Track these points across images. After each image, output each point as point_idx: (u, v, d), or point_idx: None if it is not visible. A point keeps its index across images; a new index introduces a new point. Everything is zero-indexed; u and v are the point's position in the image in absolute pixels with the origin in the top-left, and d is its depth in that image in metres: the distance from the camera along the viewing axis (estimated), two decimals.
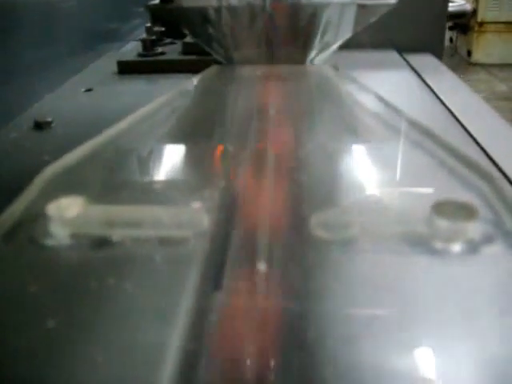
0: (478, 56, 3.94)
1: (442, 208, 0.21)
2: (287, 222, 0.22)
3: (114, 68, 0.66)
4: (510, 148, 0.42)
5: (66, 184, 0.26)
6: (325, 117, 0.32)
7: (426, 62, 0.67)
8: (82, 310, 0.19)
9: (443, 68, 0.65)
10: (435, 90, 0.55)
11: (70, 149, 0.43)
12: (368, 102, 0.34)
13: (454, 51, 4.19)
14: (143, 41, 0.66)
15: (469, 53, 3.99)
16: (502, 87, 3.56)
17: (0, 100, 0.52)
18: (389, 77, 0.60)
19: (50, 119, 0.49)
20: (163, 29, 0.68)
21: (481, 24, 3.84)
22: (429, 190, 0.24)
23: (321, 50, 0.44)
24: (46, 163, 0.41)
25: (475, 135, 0.43)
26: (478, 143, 0.42)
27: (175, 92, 0.37)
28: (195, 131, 0.31)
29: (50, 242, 0.22)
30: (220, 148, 0.28)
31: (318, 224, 0.21)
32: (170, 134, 0.31)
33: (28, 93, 0.57)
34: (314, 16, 0.39)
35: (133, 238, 0.22)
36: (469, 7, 0.82)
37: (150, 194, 0.25)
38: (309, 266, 0.20)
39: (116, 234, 0.22)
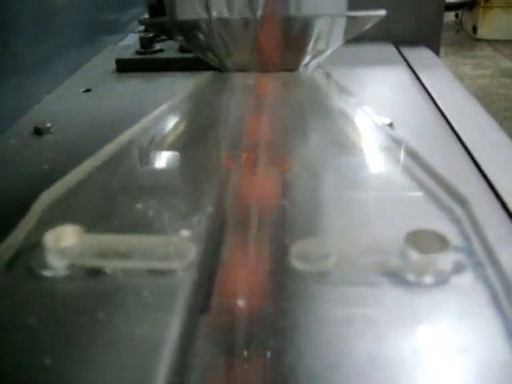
0: (484, 32, 3.91)
1: (414, 239, 0.23)
2: (268, 252, 0.23)
3: (113, 65, 0.67)
4: (496, 152, 0.43)
5: (63, 210, 0.27)
6: (311, 133, 0.33)
7: (422, 56, 0.67)
8: (74, 339, 0.21)
9: (438, 63, 0.65)
10: (428, 88, 0.56)
11: (69, 156, 0.44)
12: (354, 115, 0.35)
13: (460, 27, 4.15)
14: (141, 38, 0.66)
15: (474, 29, 3.95)
16: (507, 63, 3.53)
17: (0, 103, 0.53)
18: (383, 74, 0.61)
19: (49, 125, 0.50)
20: None
21: None
22: (405, 217, 0.25)
23: (313, 57, 0.44)
24: (46, 172, 0.42)
25: (463, 138, 0.44)
26: (465, 147, 0.43)
27: (169, 104, 0.38)
28: (187, 151, 0.33)
29: (46, 273, 0.23)
30: (209, 169, 0.30)
31: (296, 255, 0.23)
32: (162, 156, 0.32)
33: (28, 94, 0.58)
34: (305, 27, 0.40)
35: (123, 269, 0.23)
36: None
37: (141, 220, 0.26)
38: (285, 298, 0.21)
39: (108, 265, 0.23)
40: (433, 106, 0.51)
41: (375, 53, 0.68)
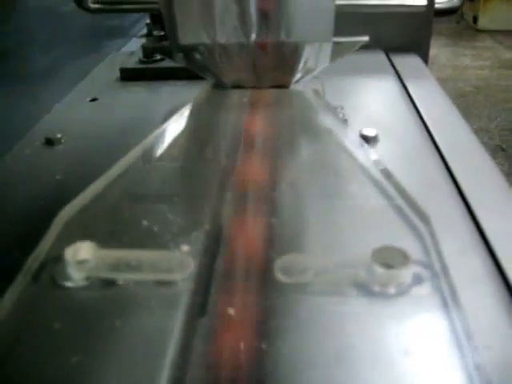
0: (484, 22, 3.91)
1: (380, 255, 0.27)
2: (256, 265, 0.28)
3: (117, 74, 0.71)
4: (472, 164, 0.47)
5: (80, 226, 0.31)
6: (298, 152, 0.37)
7: (410, 65, 0.71)
8: (93, 340, 0.25)
9: (426, 72, 0.69)
10: (414, 99, 0.59)
11: (79, 167, 0.48)
12: (338, 132, 0.39)
13: (460, 17, 4.16)
14: (144, 48, 0.70)
15: (475, 19, 3.95)
16: (507, 55, 3.55)
17: (14, 114, 0.57)
18: (372, 84, 0.64)
19: (59, 135, 0.54)
20: (163, 33, 0.72)
21: None
22: (374, 233, 0.29)
23: (303, 75, 0.48)
24: (59, 182, 0.46)
25: (442, 150, 0.48)
26: (443, 159, 0.47)
27: (173, 121, 0.42)
28: (188, 169, 0.37)
29: (67, 283, 0.28)
30: (206, 188, 0.34)
31: (279, 269, 0.27)
32: (166, 173, 0.36)
33: (39, 103, 0.62)
34: (295, 51, 0.44)
35: (133, 280, 0.27)
36: (457, 3, 0.84)
37: (148, 236, 0.30)
38: (268, 307, 0.25)
39: (120, 277, 0.28)
40: (417, 117, 0.55)
41: (366, 61, 0.71)
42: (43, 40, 0.66)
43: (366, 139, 0.49)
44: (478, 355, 0.23)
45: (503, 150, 2.31)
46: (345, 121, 0.52)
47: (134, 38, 0.92)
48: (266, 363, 0.24)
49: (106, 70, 0.74)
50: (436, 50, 3.56)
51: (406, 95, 0.60)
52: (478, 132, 2.46)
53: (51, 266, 0.29)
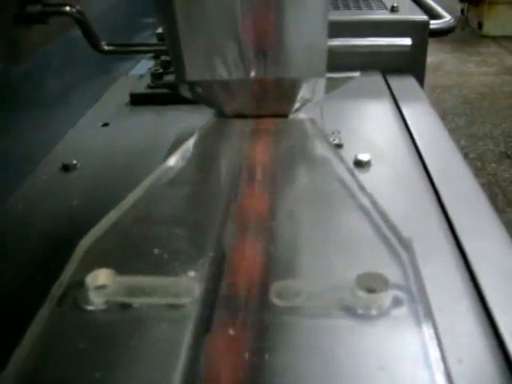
0: (489, 28, 3.93)
1: (363, 280, 0.31)
2: (254, 290, 0.31)
3: (126, 98, 0.75)
4: (461, 190, 0.50)
5: (98, 255, 0.35)
6: (294, 182, 0.41)
7: (406, 87, 0.75)
8: (112, 357, 0.29)
9: (421, 95, 0.73)
10: (409, 123, 0.63)
11: (94, 192, 0.52)
12: (331, 161, 0.43)
13: (465, 23, 4.19)
14: (152, 74, 0.74)
15: (480, 25, 3.98)
16: (511, 61, 3.57)
17: (31, 140, 0.61)
18: (368, 107, 0.68)
19: (75, 161, 0.58)
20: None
21: None
22: (360, 260, 0.33)
23: (301, 105, 0.52)
24: (76, 208, 0.50)
25: (433, 176, 0.51)
26: (433, 184, 0.50)
27: (180, 152, 0.46)
28: (194, 199, 0.41)
29: (88, 307, 0.32)
30: (210, 217, 0.38)
31: (274, 293, 0.31)
32: (174, 204, 0.40)
33: (54, 129, 0.66)
34: (292, 85, 0.48)
35: (146, 304, 0.31)
36: (453, 23, 0.88)
37: (159, 264, 0.34)
38: (265, 328, 0.29)
39: (135, 301, 0.31)
40: (409, 141, 0.59)
41: (363, 83, 0.75)
42: (56, 65, 0.70)
43: (361, 164, 0.53)
44: (447, 370, 0.27)
45: (508, 156, 2.34)
46: (340, 145, 0.56)
47: (143, 60, 0.96)
48: (261, 376, 0.27)
49: (117, 94, 0.78)
50: (441, 56, 3.59)
51: (400, 119, 0.64)
52: (483, 138, 2.49)
53: (74, 291, 0.32)
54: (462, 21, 4.22)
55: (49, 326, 0.31)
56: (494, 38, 3.93)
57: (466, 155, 2.34)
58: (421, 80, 0.81)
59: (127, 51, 0.61)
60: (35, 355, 0.29)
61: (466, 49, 3.81)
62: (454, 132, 2.54)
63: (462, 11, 4.27)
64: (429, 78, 3.23)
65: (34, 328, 0.30)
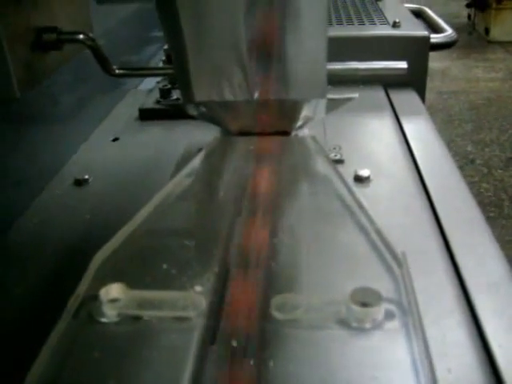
0: (496, 34, 3.93)
1: (357, 295, 0.33)
2: (255, 304, 0.34)
3: (136, 113, 0.77)
4: (456, 204, 0.52)
5: (111, 269, 0.37)
6: (295, 199, 0.44)
7: (407, 102, 0.77)
8: (125, 366, 0.32)
9: (421, 109, 0.75)
10: (409, 138, 0.65)
11: (106, 207, 0.55)
12: (331, 178, 0.45)
13: (472, 29, 4.20)
14: (160, 90, 0.77)
15: (486, 30, 3.98)
16: None
17: (44, 155, 0.64)
18: (369, 123, 0.70)
19: (87, 176, 0.60)
20: None
21: (499, 1, 3.83)
22: (354, 275, 0.35)
23: (303, 123, 0.54)
24: (88, 221, 0.53)
25: (430, 191, 0.53)
26: (429, 198, 0.53)
27: (187, 169, 0.48)
28: (200, 216, 0.43)
29: (102, 319, 0.34)
30: (216, 234, 0.40)
31: (275, 307, 0.33)
32: (181, 220, 0.43)
33: (66, 144, 0.69)
34: (294, 106, 0.50)
35: (156, 316, 0.34)
36: (454, 37, 0.90)
37: (167, 278, 0.36)
38: (266, 338, 0.32)
39: (145, 314, 0.34)
40: (409, 156, 0.61)
41: (365, 97, 0.77)
42: (68, 82, 0.73)
43: (360, 179, 0.55)
44: (434, 380, 0.29)
45: None
46: (341, 161, 0.58)
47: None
48: (262, 382, 0.30)
49: (126, 108, 0.81)
50: (448, 62, 3.60)
51: (400, 134, 0.66)
52: (490, 144, 2.50)
53: (88, 304, 0.35)
54: (469, 26, 4.24)
55: (66, 337, 0.33)
56: (501, 44, 3.93)
57: (472, 161, 2.35)
58: (422, 93, 0.83)
59: (137, 74, 0.63)
60: (53, 364, 0.32)
61: (472, 54, 3.81)
62: (460, 138, 2.56)
63: (469, 16, 4.28)
64: (435, 83, 3.23)
65: (52, 339, 0.33)
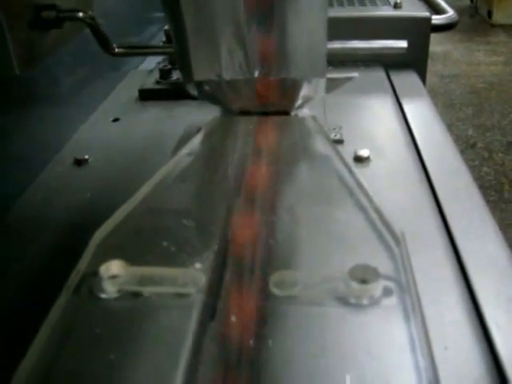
0: (499, 17, 3.91)
1: (356, 272, 0.33)
2: (255, 280, 0.34)
3: (136, 94, 0.77)
4: (456, 186, 0.52)
5: (112, 245, 0.38)
6: (295, 178, 0.44)
7: (408, 83, 0.77)
8: (125, 341, 0.32)
9: (422, 91, 0.75)
10: (409, 119, 0.65)
11: (106, 186, 0.55)
12: (331, 158, 0.45)
13: (475, 12, 4.17)
14: (160, 70, 0.76)
15: (489, 13, 3.95)
16: None
17: (46, 135, 0.64)
18: (369, 103, 0.70)
19: (87, 156, 0.60)
20: None
21: None
22: (354, 253, 0.35)
23: (303, 102, 0.54)
24: (89, 200, 0.53)
25: (430, 171, 0.54)
26: (429, 178, 0.53)
27: (187, 148, 0.48)
28: (201, 194, 0.43)
29: (102, 295, 0.34)
30: (216, 211, 0.40)
31: (273, 283, 0.33)
32: (182, 199, 0.43)
33: (66, 124, 0.69)
34: (294, 85, 0.50)
35: (156, 293, 0.34)
36: (455, 18, 0.90)
37: (167, 254, 0.37)
38: (265, 313, 0.32)
39: (145, 290, 0.34)
40: (409, 137, 0.61)
41: (366, 78, 0.77)
42: (68, 62, 0.73)
43: (360, 159, 0.55)
44: (430, 356, 0.29)
45: None
46: (341, 141, 0.58)
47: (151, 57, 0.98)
48: (260, 357, 0.30)
49: (126, 89, 0.81)
50: (450, 45, 3.58)
51: (400, 115, 0.66)
52: (491, 128, 2.49)
53: (89, 281, 0.35)
54: (472, 9, 4.20)
55: (66, 312, 0.33)
56: (504, 27, 3.90)
57: (473, 145, 2.35)
58: (423, 75, 0.83)
59: (137, 53, 0.63)
60: (54, 340, 0.32)
61: (474, 38, 3.79)
62: (461, 122, 2.55)
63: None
64: (437, 67, 3.21)
65: (52, 315, 0.33)
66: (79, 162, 0.60)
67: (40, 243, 0.46)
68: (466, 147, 2.33)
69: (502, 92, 2.94)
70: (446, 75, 3.12)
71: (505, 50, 3.57)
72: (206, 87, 0.52)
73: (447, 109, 2.67)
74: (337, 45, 0.53)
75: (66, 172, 0.59)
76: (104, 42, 0.50)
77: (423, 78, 0.82)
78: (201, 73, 0.49)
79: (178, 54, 0.50)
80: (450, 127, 2.44)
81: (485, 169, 2.19)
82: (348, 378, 0.28)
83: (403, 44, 0.57)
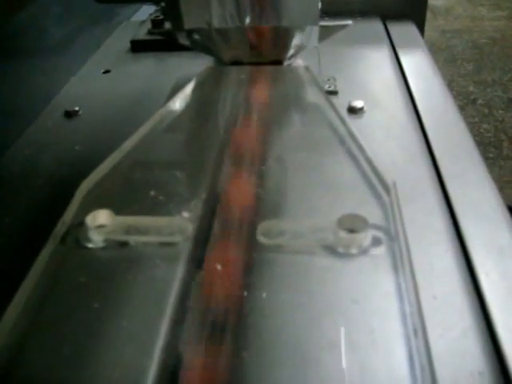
0: None
1: (344, 221, 0.33)
2: (242, 229, 0.34)
3: (127, 45, 0.75)
4: (451, 137, 0.51)
5: (98, 196, 0.37)
6: (286, 127, 0.43)
7: (405, 34, 0.75)
8: (111, 290, 0.32)
9: (420, 42, 0.73)
10: (405, 70, 0.64)
11: (96, 138, 0.54)
12: (323, 107, 0.44)
13: None
14: (152, 20, 0.74)
15: None
16: None
17: (35, 87, 0.62)
18: (365, 54, 0.68)
19: (77, 108, 0.59)
20: None
21: None
22: (343, 202, 0.35)
23: (296, 52, 0.53)
24: (79, 152, 0.52)
25: (425, 123, 0.52)
26: (423, 130, 0.52)
27: (178, 97, 0.47)
28: (190, 144, 0.43)
29: (89, 244, 0.34)
30: (205, 160, 0.40)
31: (261, 232, 0.33)
32: (171, 149, 0.42)
33: (56, 77, 0.67)
34: (286, 33, 0.49)
35: (142, 242, 0.34)
36: None
37: (154, 204, 0.36)
38: (251, 263, 0.32)
39: (132, 239, 0.34)
40: (405, 89, 0.59)
41: (362, 29, 0.75)
42: (57, 12, 0.71)
43: (354, 110, 0.54)
44: (418, 304, 0.29)
45: None
46: (335, 92, 0.57)
47: (145, 6, 0.95)
48: (247, 306, 0.30)
49: (118, 41, 0.79)
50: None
51: (397, 66, 0.64)
52: (492, 85, 2.46)
53: (75, 230, 0.35)
54: None
55: (52, 261, 0.33)
56: None
57: (474, 101, 2.32)
58: (421, 26, 0.81)
59: (124, 0, 0.61)
60: (40, 287, 0.32)
61: None
62: (462, 78, 2.51)
63: None
64: (439, 22, 3.15)
65: (39, 263, 0.33)
66: (69, 114, 0.59)
67: (28, 195, 0.46)
68: (467, 103, 2.30)
69: (505, 47, 2.89)
70: (447, 30, 3.06)
71: (509, 5, 3.49)
72: (197, 36, 0.50)
73: (448, 64, 2.63)
74: None
75: (56, 124, 0.58)
76: None
77: (422, 31, 0.80)
78: (191, 21, 0.48)
79: (168, 1, 0.49)
80: (451, 83, 2.40)
81: (485, 125, 2.17)
82: (342, 330, 0.28)
83: None
